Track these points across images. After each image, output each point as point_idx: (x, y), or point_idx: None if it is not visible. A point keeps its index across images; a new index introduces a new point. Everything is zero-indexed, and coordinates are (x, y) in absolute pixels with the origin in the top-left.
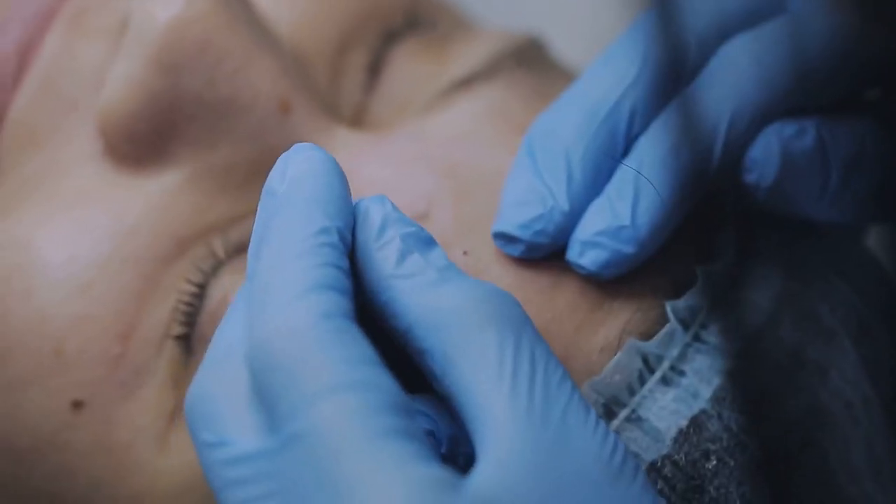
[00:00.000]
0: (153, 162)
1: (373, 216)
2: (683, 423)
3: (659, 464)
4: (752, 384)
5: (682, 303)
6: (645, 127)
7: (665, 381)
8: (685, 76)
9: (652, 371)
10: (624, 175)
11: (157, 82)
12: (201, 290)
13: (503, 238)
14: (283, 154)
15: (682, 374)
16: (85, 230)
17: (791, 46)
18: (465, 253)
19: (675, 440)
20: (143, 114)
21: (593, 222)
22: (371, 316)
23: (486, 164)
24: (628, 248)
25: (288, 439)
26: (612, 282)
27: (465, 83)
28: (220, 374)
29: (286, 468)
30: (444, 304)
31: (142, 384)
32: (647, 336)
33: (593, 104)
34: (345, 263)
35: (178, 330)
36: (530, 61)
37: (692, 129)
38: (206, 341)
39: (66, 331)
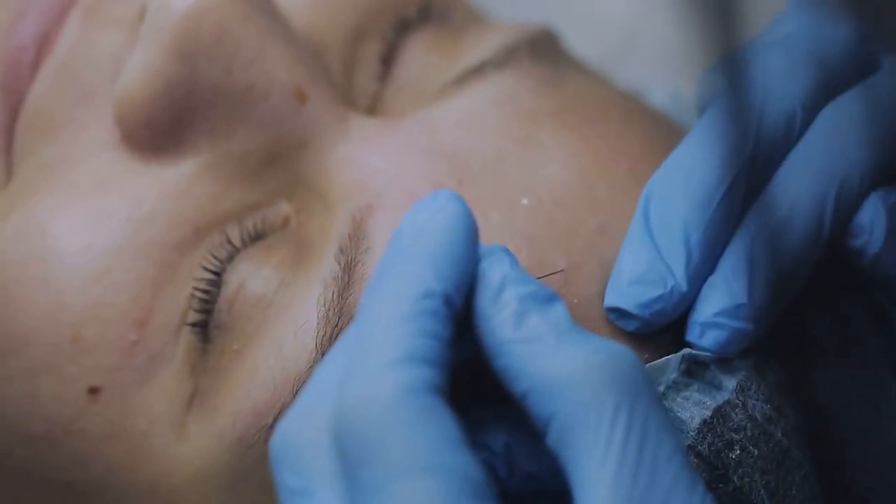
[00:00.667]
0: (169, 150)
1: (491, 277)
2: (707, 413)
3: None
4: (780, 375)
5: None
6: (757, 195)
7: (689, 371)
8: (790, 145)
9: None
10: (738, 251)
11: (174, 71)
12: (218, 278)
13: (618, 313)
14: (421, 199)
15: (705, 364)
16: (101, 218)
17: (889, 109)
18: None
19: (699, 430)
20: (160, 102)
21: (711, 303)
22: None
23: (487, 151)
24: (747, 326)
25: None
26: None
27: (476, 71)
28: (310, 421)
29: None
30: (562, 371)
31: (158, 371)
32: None
33: (710, 183)
34: (446, 331)
35: (194, 317)
36: (543, 52)
37: (802, 198)
38: (223, 329)
39: (83, 318)
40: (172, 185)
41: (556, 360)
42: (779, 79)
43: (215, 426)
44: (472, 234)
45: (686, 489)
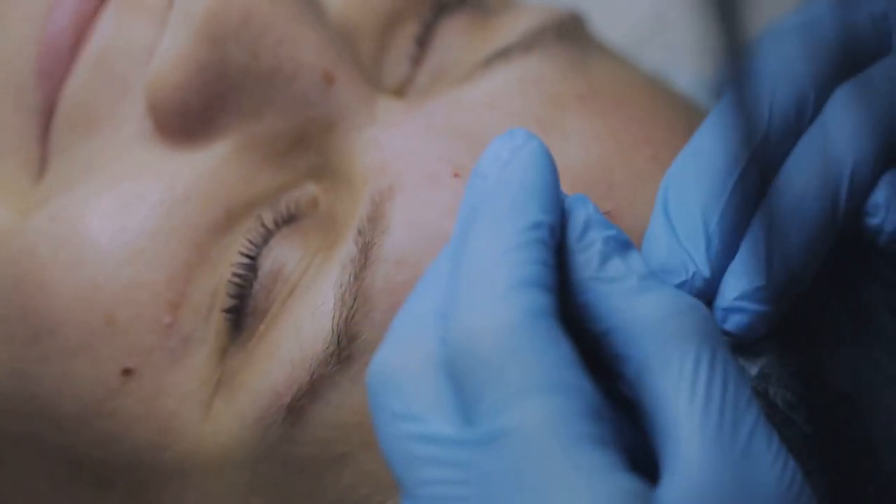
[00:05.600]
0: (201, 134)
1: (576, 216)
2: None
3: None
4: (797, 359)
5: None
6: (773, 177)
7: None
8: (804, 126)
9: None
10: (756, 234)
11: (204, 54)
12: (253, 262)
13: None
14: (498, 137)
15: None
16: (135, 200)
17: None
18: None
19: None
20: (191, 85)
21: (732, 287)
22: (565, 315)
23: None
24: (767, 308)
25: (488, 435)
26: None
27: (504, 53)
28: (413, 349)
29: (482, 462)
30: (644, 313)
31: (190, 352)
32: None
33: (725, 165)
34: (553, 261)
35: (227, 302)
36: (570, 34)
37: (815, 178)
38: (258, 315)
39: (117, 299)
40: (204, 168)
41: (638, 303)
42: (791, 62)
43: (237, 405)
44: (556, 170)
45: (765, 435)
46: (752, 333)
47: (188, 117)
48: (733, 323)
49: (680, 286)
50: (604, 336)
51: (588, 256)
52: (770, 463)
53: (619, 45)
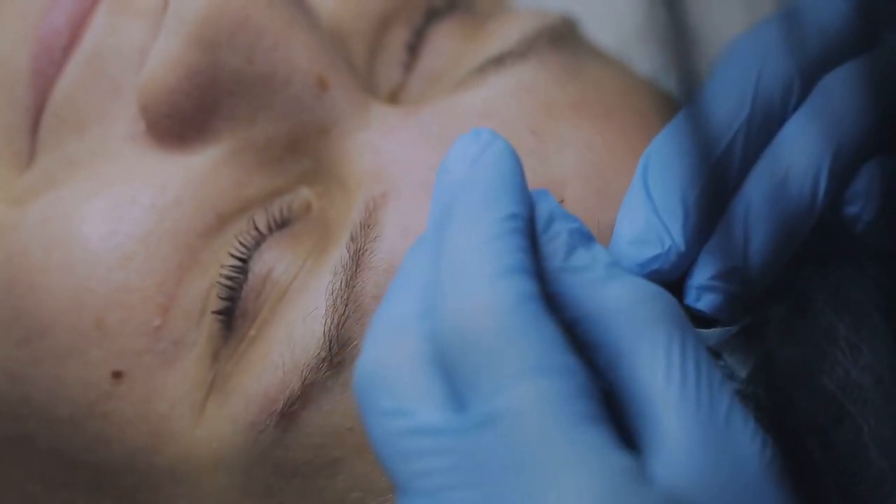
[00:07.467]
0: (193, 138)
1: (540, 209)
2: None
3: None
4: (787, 361)
5: None
6: (755, 161)
7: None
8: (788, 112)
9: None
10: (735, 214)
11: (197, 58)
12: (244, 265)
13: None
14: (464, 136)
15: (718, 355)
16: (126, 204)
17: (888, 80)
18: None
19: None
20: (184, 89)
21: (707, 267)
22: None
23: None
24: (741, 289)
25: (482, 419)
26: None
27: (498, 61)
28: (398, 344)
29: (476, 447)
30: (614, 300)
31: (181, 356)
32: None
33: (707, 143)
34: (531, 250)
35: (218, 304)
36: (563, 40)
37: (796, 164)
38: (248, 317)
39: (107, 303)
40: (196, 172)
41: (606, 291)
42: (778, 48)
43: (229, 409)
44: (522, 166)
45: (742, 413)
46: (725, 313)
47: (180, 121)
48: (706, 302)
49: (654, 259)
50: (575, 325)
51: (555, 247)
52: (749, 438)
53: (612, 47)
